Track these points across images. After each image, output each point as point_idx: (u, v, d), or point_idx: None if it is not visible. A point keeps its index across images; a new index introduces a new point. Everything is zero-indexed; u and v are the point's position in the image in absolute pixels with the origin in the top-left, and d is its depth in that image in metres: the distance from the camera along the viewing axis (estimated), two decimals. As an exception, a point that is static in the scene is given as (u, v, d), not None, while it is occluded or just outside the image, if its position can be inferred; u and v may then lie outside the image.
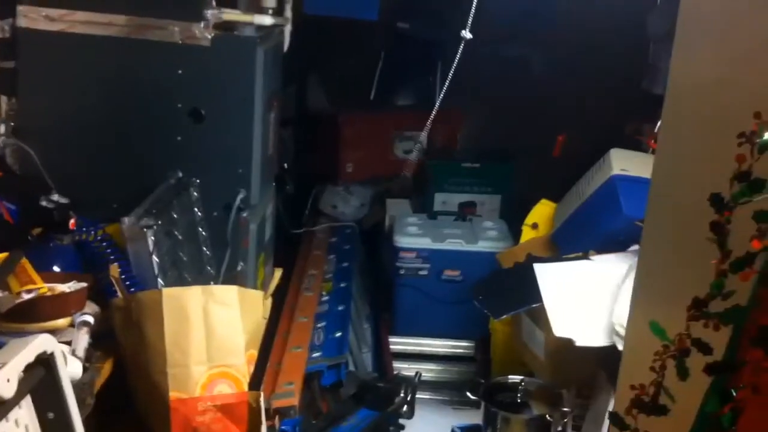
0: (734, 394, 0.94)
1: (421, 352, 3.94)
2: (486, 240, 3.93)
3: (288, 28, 2.97)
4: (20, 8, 2.46)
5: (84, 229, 2.29)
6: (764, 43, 1.19)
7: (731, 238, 0.97)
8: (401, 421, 3.13)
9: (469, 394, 3.14)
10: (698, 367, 0.99)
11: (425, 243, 3.91)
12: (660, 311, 1.31)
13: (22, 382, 1.49)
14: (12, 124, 2.53)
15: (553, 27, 4.19)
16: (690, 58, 1.45)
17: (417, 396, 3.18)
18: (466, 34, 2.93)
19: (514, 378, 3.08)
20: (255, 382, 2.25)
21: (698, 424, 1.01)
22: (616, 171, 3.13)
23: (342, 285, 3.72)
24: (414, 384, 3.18)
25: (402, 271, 3.90)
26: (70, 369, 1.73)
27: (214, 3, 2.54)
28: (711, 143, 1.29)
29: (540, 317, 2.88)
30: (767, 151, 0.91)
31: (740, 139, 0.93)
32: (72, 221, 2.25)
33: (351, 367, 3.29)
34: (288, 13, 2.93)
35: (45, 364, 1.59)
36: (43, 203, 2.26)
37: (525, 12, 3.59)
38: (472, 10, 2.88)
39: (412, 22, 4.57)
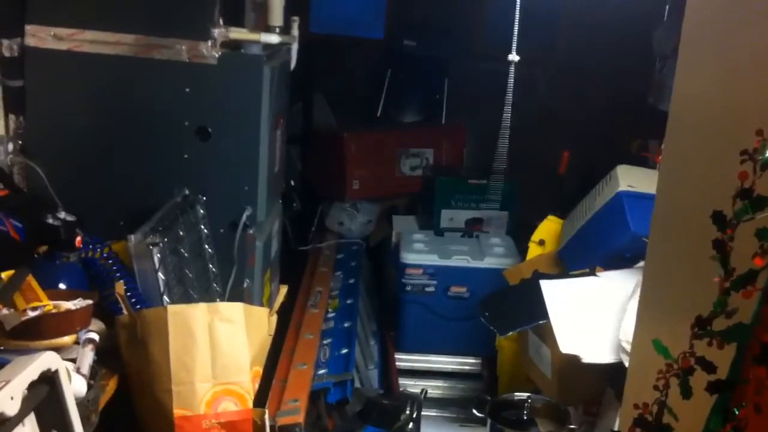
0: (737, 412, 0.94)
1: (428, 369, 3.93)
2: (493, 256, 3.93)
3: (294, 47, 2.98)
4: (28, 27, 2.48)
5: (90, 246, 2.29)
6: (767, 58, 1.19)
7: (734, 256, 0.97)
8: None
9: (475, 411, 3.13)
10: (703, 386, 0.99)
11: (432, 259, 3.91)
12: (665, 329, 1.30)
13: (25, 400, 1.49)
14: (20, 142, 2.55)
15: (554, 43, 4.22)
16: (693, 74, 1.44)
17: (423, 413, 3.16)
18: (514, 57, 2.98)
19: (521, 395, 3.06)
20: (260, 399, 2.25)
21: None
22: (622, 187, 3.11)
23: (348, 302, 3.71)
24: (420, 401, 3.16)
25: (408, 288, 3.89)
26: (75, 386, 1.73)
27: (221, 22, 2.55)
28: (715, 159, 1.29)
29: (546, 334, 2.87)
30: (769, 168, 0.91)
31: (743, 156, 0.93)
32: (78, 239, 2.25)
33: (357, 384, 3.28)
34: (295, 31, 2.95)
35: (49, 381, 1.59)
36: (50, 221, 2.27)
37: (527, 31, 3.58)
38: (515, 34, 2.93)
39: (419, 40, 4.59)
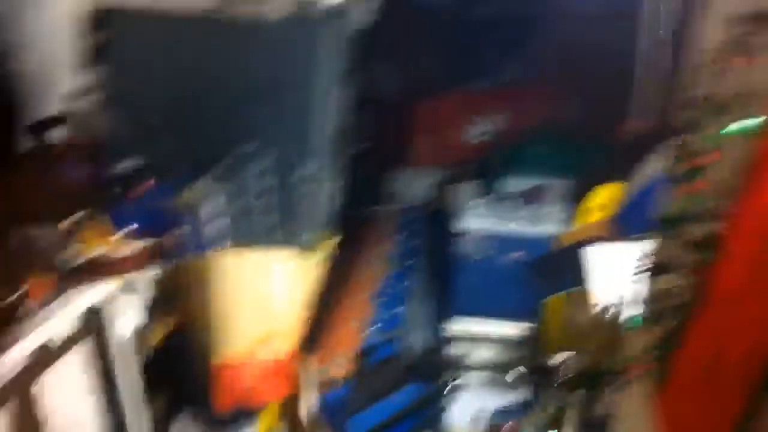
0: None
1: (479, 331, 3.96)
2: (551, 223, 3.94)
3: (359, 8, 3.04)
4: (110, -14, 2.62)
5: (160, 191, 2.42)
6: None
7: None
8: (450, 396, 3.16)
9: (520, 371, 3.16)
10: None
11: (490, 225, 3.94)
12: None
13: (80, 324, 1.63)
14: (101, 94, 2.69)
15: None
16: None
17: (468, 374, 3.20)
18: None
19: (563, 356, 3.10)
20: (307, 348, 2.34)
21: None
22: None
23: (406, 263, 3.78)
24: (465, 362, 3.19)
25: (466, 252, 3.94)
26: (130, 319, 1.87)
27: (285, -16, 2.64)
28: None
29: (588, 296, 2.91)
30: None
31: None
32: (147, 184, 2.38)
33: (405, 343, 3.35)
34: (358, -7, 3.01)
35: (103, 310, 1.72)
36: (123, 166, 2.40)
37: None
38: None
39: (490, 5, 4.58)
